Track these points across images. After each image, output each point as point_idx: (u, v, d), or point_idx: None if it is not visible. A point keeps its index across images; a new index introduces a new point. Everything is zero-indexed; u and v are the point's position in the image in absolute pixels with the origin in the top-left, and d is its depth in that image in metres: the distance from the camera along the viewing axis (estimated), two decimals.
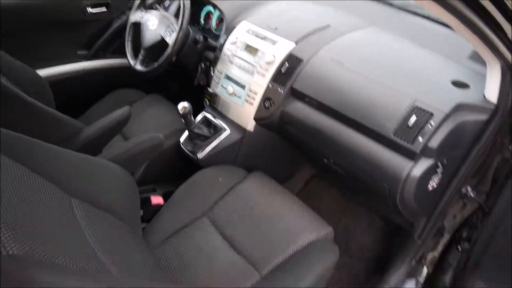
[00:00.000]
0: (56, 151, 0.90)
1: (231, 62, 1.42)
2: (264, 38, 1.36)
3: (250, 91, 1.34)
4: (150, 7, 1.59)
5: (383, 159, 1.05)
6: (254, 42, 1.38)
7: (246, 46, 1.39)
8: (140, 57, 1.54)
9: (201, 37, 1.53)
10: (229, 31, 1.48)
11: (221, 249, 1.12)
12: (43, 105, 1.11)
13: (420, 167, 1.00)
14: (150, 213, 1.26)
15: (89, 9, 1.71)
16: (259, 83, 1.32)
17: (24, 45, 1.60)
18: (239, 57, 1.40)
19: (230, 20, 1.53)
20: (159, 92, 1.83)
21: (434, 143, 0.98)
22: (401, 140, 1.00)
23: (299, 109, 1.25)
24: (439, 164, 1.03)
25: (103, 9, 1.74)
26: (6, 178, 0.68)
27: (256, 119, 1.35)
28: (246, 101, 1.35)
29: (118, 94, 1.82)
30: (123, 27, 1.71)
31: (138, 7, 1.58)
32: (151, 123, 1.63)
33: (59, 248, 0.66)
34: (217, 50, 1.48)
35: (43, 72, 1.63)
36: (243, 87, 1.37)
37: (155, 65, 1.44)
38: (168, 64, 1.42)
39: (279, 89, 1.28)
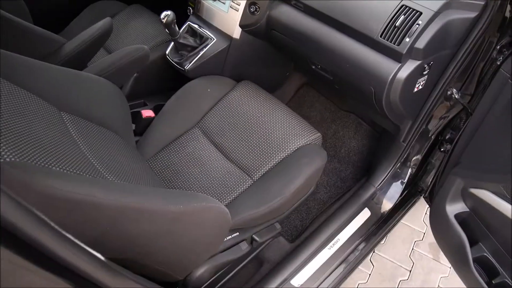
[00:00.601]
0: (41, 66, 0.89)
1: None
2: None
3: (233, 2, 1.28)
4: None
5: (369, 62, 1.04)
6: None
7: None
8: None
9: None
10: None
11: (214, 157, 1.17)
12: (21, 20, 1.06)
13: (406, 69, 1.01)
14: (142, 126, 1.28)
15: None
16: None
17: None
18: None
19: None
20: (141, 2, 1.74)
21: (421, 43, 0.97)
22: (388, 42, 0.99)
23: (286, 12, 1.21)
24: (425, 66, 1.03)
25: None
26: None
27: (242, 25, 1.30)
28: (231, 7, 1.29)
29: (98, 6, 1.73)
30: None
31: None
32: (135, 35, 1.57)
33: (54, 156, 0.69)
34: None
35: None
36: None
37: None
38: None
39: (254, 11, 1.22)
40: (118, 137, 1.04)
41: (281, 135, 1.18)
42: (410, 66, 1.01)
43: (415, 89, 1.09)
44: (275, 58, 1.56)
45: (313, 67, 1.27)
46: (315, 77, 1.55)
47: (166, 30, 1.27)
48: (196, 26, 1.40)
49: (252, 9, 1.25)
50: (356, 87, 1.15)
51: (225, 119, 1.24)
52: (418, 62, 1.01)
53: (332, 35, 1.11)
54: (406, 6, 0.98)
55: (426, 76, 1.08)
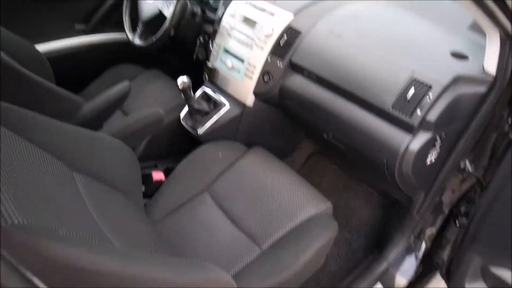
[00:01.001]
0: (57, 125, 0.91)
1: (230, 36, 1.40)
2: (262, 9, 1.34)
3: (249, 64, 1.33)
4: None
5: (381, 133, 1.05)
6: (253, 14, 1.36)
7: (244, 18, 1.37)
8: (138, 31, 1.52)
9: (199, 9, 1.51)
10: (227, 3, 1.46)
11: (222, 224, 1.14)
12: (42, 79, 1.11)
13: (418, 141, 1.01)
14: (151, 189, 1.27)
15: None
16: (258, 57, 1.31)
17: (21, 19, 1.58)
18: (237, 30, 1.38)
19: None
20: (159, 67, 1.82)
21: (433, 116, 0.98)
22: (400, 114, 1.00)
23: (298, 83, 1.25)
24: (438, 138, 1.03)
25: None
26: (6, 150, 0.68)
27: (255, 93, 1.34)
28: (245, 75, 1.35)
29: (118, 69, 1.81)
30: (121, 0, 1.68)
31: None
32: (151, 98, 1.63)
33: (62, 219, 0.67)
34: (216, 23, 1.47)
35: (41, 48, 1.61)
36: (242, 61, 1.36)
37: (154, 39, 1.43)
38: (166, 38, 1.40)
39: (278, 62, 1.27)
40: (127, 199, 1.03)
41: (292, 204, 1.16)
42: (422, 138, 1.01)
43: (428, 161, 1.08)
44: (287, 126, 1.59)
45: (325, 135, 1.28)
46: (327, 146, 1.56)
47: (182, 95, 1.31)
48: (210, 92, 1.44)
49: (265, 78, 1.30)
50: (368, 158, 1.15)
51: (235, 185, 1.23)
52: (430, 134, 1.01)
53: (344, 105, 1.13)
54: (416, 80, 1.01)
55: (438, 149, 1.07)
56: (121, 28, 1.65)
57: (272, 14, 1.31)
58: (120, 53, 1.84)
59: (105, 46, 1.84)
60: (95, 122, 1.24)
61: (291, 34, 1.26)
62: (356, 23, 1.24)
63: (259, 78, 1.31)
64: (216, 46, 1.45)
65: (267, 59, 1.29)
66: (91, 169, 0.92)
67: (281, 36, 1.27)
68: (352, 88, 1.10)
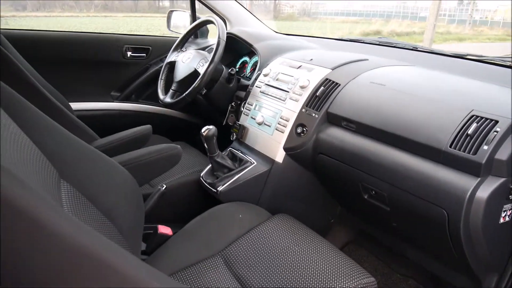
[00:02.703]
0: (58, 129, 0.80)
1: (263, 93, 1.34)
2: (299, 67, 1.30)
3: (281, 118, 1.23)
4: (184, 46, 1.62)
5: (438, 179, 0.85)
6: (288, 71, 1.31)
7: (279, 75, 1.33)
8: (171, 91, 1.50)
9: (234, 77, 1.50)
10: (262, 67, 1.44)
11: None
12: (69, 112, 1.06)
13: (487, 187, 0.80)
14: (154, 244, 1.07)
15: (129, 53, 1.76)
16: (292, 109, 1.22)
17: (62, 77, 1.63)
18: (272, 86, 1.33)
19: (265, 60, 1.50)
20: (186, 141, 1.76)
21: (504, 154, 0.79)
22: (460, 151, 0.82)
23: (336, 134, 1.11)
24: None
25: (143, 54, 1.79)
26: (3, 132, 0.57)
27: (286, 148, 1.21)
28: (277, 129, 1.23)
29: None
30: (158, 74, 1.72)
31: (175, 49, 1.60)
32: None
33: None
34: (250, 85, 1.43)
35: (74, 106, 1.62)
36: (274, 115, 1.26)
37: (184, 95, 1.39)
38: (197, 93, 1.36)
39: (313, 113, 1.16)
40: (122, 237, 0.84)
41: (323, 276, 0.91)
42: (491, 184, 0.80)
43: (501, 219, 0.85)
44: (318, 196, 1.39)
45: (366, 196, 1.08)
46: (364, 233, 1.32)
47: (205, 144, 1.19)
48: (237, 151, 1.32)
49: (299, 131, 1.18)
50: (422, 216, 0.93)
51: (255, 251, 1.00)
52: (502, 180, 0.80)
53: (389, 152, 0.97)
54: (477, 116, 0.85)
55: None
56: (153, 101, 1.66)
57: (310, 70, 1.26)
58: (149, 123, 1.82)
59: (134, 115, 1.84)
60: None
61: (328, 86, 1.18)
62: (400, 77, 1.15)
63: (291, 131, 1.20)
64: (247, 105, 1.39)
65: (301, 110, 1.19)
66: (83, 184, 0.77)
67: (318, 88, 1.19)
68: (400, 131, 0.95)
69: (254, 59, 1.68)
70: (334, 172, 1.15)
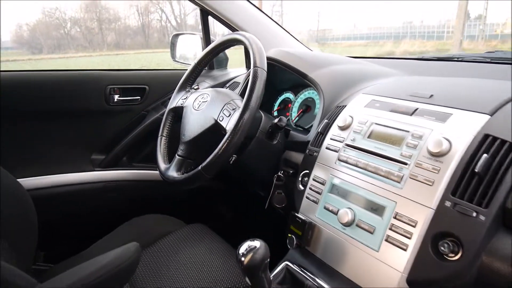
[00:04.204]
0: None
1: (345, 161, 0.74)
2: (413, 112, 0.70)
3: (396, 218, 0.62)
4: (196, 82, 1.04)
5: None
6: (391, 119, 0.71)
7: (373, 126, 0.73)
8: (177, 157, 0.91)
9: (281, 129, 0.90)
10: (331, 114, 0.84)
11: None
12: None
13: None
14: None
15: (116, 96, 1.18)
16: (420, 201, 0.60)
17: (13, 137, 1.07)
18: (361, 150, 0.72)
19: (331, 99, 0.90)
20: (206, 222, 1.14)
21: None
22: None
23: None
24: None
25: (136, 97, 1.22)
26: None
27: (412, 282, 0.58)
28: (387, 240, 0.62)
29: (143, 221, 1.16)
30: (157, 125, 1.13)
31: (182, 88, 1.03)
32: (193, 270, 0.91)
33: None
34: (311, 145, 0.83)
35: (30, 182, 1.05)
36: (377, 209, 0.65)
37: (199, 169, 0.79)
38: (222, 165, 0.77)
39: (472, 212, 0.54)
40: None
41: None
42: None
43: None
44: None
45: None
46: None
47: (246, 278, 0.59)
48: (303, 273, 0.70)
49: (443, 248, 0.55)
50: None
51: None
52: None
53: None
54: None
55: None
56: (153, 164, 1.07)
57: (445, 118, 0.65)
58: (150, 198, 1.22)
59: (128, 187, 1.24)
60: None
61: (498, 151, 0.57)
62: None
63: (423, 247, 0.58)
64: (314, 182, 0.78)
65: (443, 205, 0.58)
66: None
67: (473, 156, 0.58)
68: None
69: (304, 95, 1.10)
70: None
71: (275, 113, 1.17)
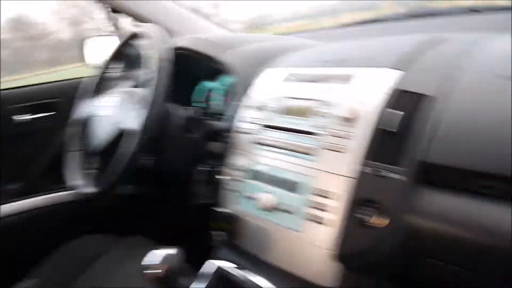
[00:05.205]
0: None
1: (262, 144, 0.69)
2: (324, 79, 0.67)
3: (314, 194, 0.58)
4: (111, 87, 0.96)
5: None
6: (304, 91, 0.68)
7: (287, 101, 0.69)
8: (91, 171, 0.83)
9: (196, 119, 0.85)
10: (241, 95, 0.80)
11: None
12: None
13: None
14: None
15: (17, 117, 1.07)
16: (335, 171, 0.57)
17: None
18: (277, 128, 0.68)
19: (245, 79, 0.85)
20: (143, 233, 1.07)
21: None
22: None
23: (455, 208, 0.48)
24: None
25: (46, 113, 1.11)
26: None
27: (341, 256, 0.55)
28: (308, 218, 0.58)
29: (78, 244, 1.06)
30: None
31: (88, 96, 0.95)
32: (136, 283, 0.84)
33: None
34: (227, 132, 0.78)
35: None
36: (294, 188, 0.61)
37: (111, 179, 0.72)
38: (136, 168, 0.71)
39: (389, 173, 0.52)
40: None
41: None
42: None
43: None
44: None
45: None
46: None
47: None
48: (233, 269, 0.65)
49: (363, 215, 0.53)
50: None
51: None
52: None
53: None
54: None
55: None
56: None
57: (348, 78, 0.62)
58: (81, 219, 1.13)
59: (55, 211, 1.14)
60: None
61: (409, 106, 0.54)
62: None
63: (345, 219, 0.55)
64: (234, 173, 0.73)
65: (360, 172, 0.55)
66: None
67: (385, 117, 0.55)
68: None
69: (225, 81, 1.04)
70: None
71: (194, 104, 1.10)
